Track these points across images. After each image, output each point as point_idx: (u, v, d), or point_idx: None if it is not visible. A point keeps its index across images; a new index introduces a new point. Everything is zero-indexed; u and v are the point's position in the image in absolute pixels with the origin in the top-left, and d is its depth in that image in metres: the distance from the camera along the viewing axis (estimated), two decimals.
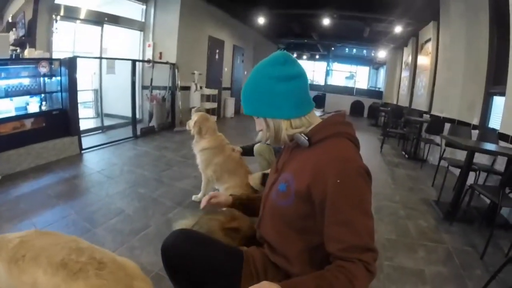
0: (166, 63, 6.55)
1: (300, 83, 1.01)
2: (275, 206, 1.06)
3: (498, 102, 4.40)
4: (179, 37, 6.70)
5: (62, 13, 5.13)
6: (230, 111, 9.68)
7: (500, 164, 3.49)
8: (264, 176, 2.54)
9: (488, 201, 3.07)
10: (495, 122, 4.37)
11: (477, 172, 3.55)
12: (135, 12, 6.80)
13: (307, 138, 1.00)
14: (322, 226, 0.93)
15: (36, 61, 3.87)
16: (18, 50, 3.91)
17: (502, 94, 3.98)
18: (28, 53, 3.91)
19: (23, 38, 4.17)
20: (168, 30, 6.70)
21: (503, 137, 3.68)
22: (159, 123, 6.48)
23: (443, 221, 3.10)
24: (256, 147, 2.90)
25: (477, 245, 2.65)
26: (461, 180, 3.17)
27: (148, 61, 6.54)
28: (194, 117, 2.97)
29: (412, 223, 3.06)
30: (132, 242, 2.34)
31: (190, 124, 2.97)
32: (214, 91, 7.95)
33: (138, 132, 5.83)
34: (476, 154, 3.16)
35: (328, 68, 16.45)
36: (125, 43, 6.90)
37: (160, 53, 6.76)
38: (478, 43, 4.80)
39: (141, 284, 0.94)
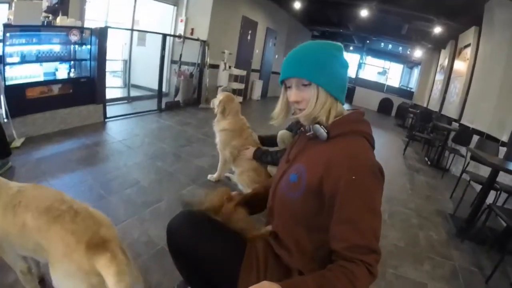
0: (197, 39, 6.52)
1: (348, 74, 1.05)
2: (284, 197, 1.06)
3: None
4: (212, 15, 6.63)
5: None
6: (257, 93, 9.63)
7: None
8: (258, 150, 2.75)
9: (504, 224, 2.97)
10: None
11: (498, 192, 3.42)
12: None
13: (326, 131, 0.99)
14: (328, 223, 0.93)
15: (68, 29, 3.94)
16: (51, 17, 3.96)
17: None
18: (60, 20, 3.97)
19: (56, 5, 4.23)
20: (202, 7, 6.64)
21: None
22: (184, 98, 6.53)
23: (455, 236, 3.03)
24: (280, 134, 2.81)
25: (484, 267, 2.58)
26: (480, 197, 3.07)
27: (179, 36, 6.55)
28: (220, 96, 2.97)
29: (423, 233, 3.00)
30: (143, 214, 2.40)
31: (215, 103, 2.97)
32: (243, 72, 7.88)
33: (163, 106, 5.91)
34: (500, 173, 3.04)
35: (360, 61, 15.95)
36: (158, 17, 6.90)
37: (192, 29, 6.74)
38: None
39: (106, 230, 1.10)
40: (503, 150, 3.98)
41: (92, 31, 4.22)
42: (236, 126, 2.90)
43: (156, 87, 5.90)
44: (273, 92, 11.14)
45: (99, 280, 0.99)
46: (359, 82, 14.87)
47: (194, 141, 4.37)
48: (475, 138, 4.78)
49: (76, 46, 4.14)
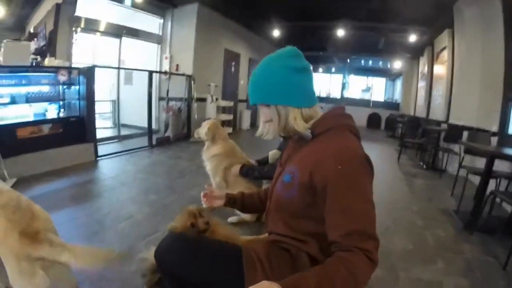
0: (183, 74, 6.68)
1: (310, 76, 1.07)
2: (280, 198, 1.09)
3: None
4: (195, 50, 6.86)
5: (82, 25, 5.35)
6: (246, 123, 9.73)
7: None
8: (244, 166, 2.75)
9: (510, 209, 2.91)
10: None
11: (498, 180, 3.40)
12: (153, 25, 7.04)
13: (310, 131, 1.04)
14: (324, 214, 0.94)
15: (56, 69, 4.01)
16: (39, 59, 4.06)
17: None
18: (48, 61, 4.07)
19: (44, 47, 4.34)
20: (185, 43, 6.88)
21: None
22: (174, 133, 6.56)
23: (463, 231, 2.96)
24: (270, 154, 2.87)
25: (499, 255, 2.49)
26: (481, 187, 3.03)
27: (165, 73, 6.70)
28: (206, 124, 2.98)
29: (430, 233, 2.92)
30: (138, 245, 2.32)
31: (201, 132, 2.97)
32: (230, 103, 8.01)
33: (154, 142, 5.91)
34: (497, 162, 3.03)
35: (344, 81, 16.34)
36: (143, 56, 7.10)
37: (177, 65, 6.93)
38: (494, 49, 4.66)
39: (39, 223, 1.27)
40: (495, 140, 4.00)
41: (80, 71, 4.30)
42: (227, 149, 2.90)
43: (145, 124, 5.94)
44: None
45: (29, 265, 1.17)
46: (345, 101, 15.10)
47: (187, 173, 4.33)
48: (466, 134, 4.81)
49: (65, 86, 4.21)
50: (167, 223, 2.64)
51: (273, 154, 2.86)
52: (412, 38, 7.71)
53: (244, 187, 2.78)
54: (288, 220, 1.08)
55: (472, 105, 5.19)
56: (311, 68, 1.10)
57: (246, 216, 2.76)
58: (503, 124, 4.48)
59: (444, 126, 6.22)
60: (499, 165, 3.48)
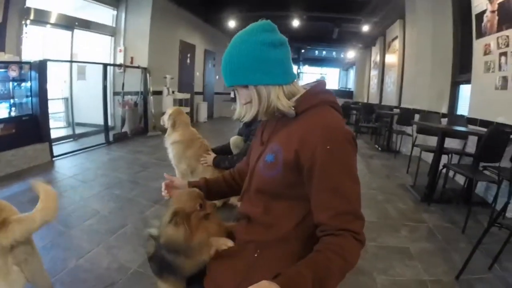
0: (138, 67, 6.44)
1: (288, 49, 1.00)
2: (263, 178, 1.03)
3: (465, 90, 4.65)
4: (151, 41, 6.63)
5: (32, 17, 4.94)
6: (203, 115, 9.61)
7: (471, 147, 3.65)
8: (216, 157, 2.76)
9: (461, 183, 3.18)
10: (463, 109, 4.58)
11: (450, 156, 3.69)
12: (106, 17, 6.67)
13: (293, 109, 0.98)
14: (310, 195, 0.91)
15: (6, 65, 3.72)
16: None
17: (468, 82, 4.23)
18: None
19: None
20: (140, 35, 6.63)
21: (471, 121, 3.86)
22: (132, 128, 6.35)
23: (421, 203, 3.20)
24: (232, 140, 2.90)
25: (457, 221, 2.75)
26: (435, 162, 3.28)
27: (120, 66, 6.40)
28: (169, 110, 2.97)
29: (391, 206, 3.13)
30: (109, 241, 2.27)
31: (165, 118, 2.97)
32: (187, 95, 7.86)
33: (111, 138, 5.68)
34: (448, 141, 3.28)
35: (299, 71, 16.70)
36: (96, 49, 6.72)
37: (132, 58, 6.65)
38: (443, 37, 5.07)
39: (3, 212, 1.24)
40: (445, 121, 4.33)
41: (32, 65, 4.00)
42: (187, 137, 2.88)
43: (101, 122, 5.66)
44: (219, 112, 11.21)
45: (2, 261, 1.16)
46: None
47: (149, 166, 4.24)
48: (417, 117, 5.16)
49: (16, 83, 3.90)
50: (135, 216, 2.65)
51: (234, 140, 2.89)
52: (365, 28, 8.03)
53: (209, 175, 2.75)
54: (269, 202, 1.03)
55: (423, 90, 5.59)
56: (287, 41, 1.01)
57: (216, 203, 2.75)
58: (452, 105, 4.88)
59: (396, 111, 6.60)
60: (450, 143, 3.79)
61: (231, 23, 8.59)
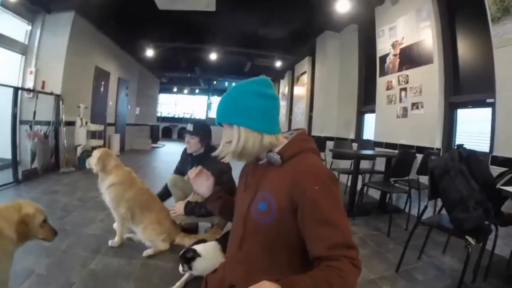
0: (51, 93, 5.80)
1: (276, 104, 1.13)
2: (258, 224, 1.08)
3: (369, 119, 5.61)
4: (66, 65, 6.03)
5: None
6: (115, 148, 8.85)
7: (379, 165, 4.45)
8: (188, 204, 2.50)
9: (375, 196, 3.84)
10: (368, 134, 5.54)
11: (363, 175, 4.40)
12: (18, 31, 5.82)
13: (279, 157, 1.08)
14: (304, 232, 0.99)
15: None
16: None
17: (372, 111, 5.18)
18: None
19: None
20: (55, 56, 5.97)
21: (377, 144, 4.76)
22: (42, 164, 5.51)
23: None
24: (169, 179, 2.87)
25: (381, 228, 3.35)
26: (353, 182, 3.90)
27: (31, 91, 5.66)
28: (96, 153, 2.71)
29: None
30: None
31: (92, 162, 2.69)
32: (100, 127, 7.27)
33: (20, 176, 4.84)
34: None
35: (209, 102, 17.22)
36: (1, 69, 5.72)
37: (43, 82, 5.92)
38: (350, 74, 6.13)
39: None
40: (354, 145, 5.13)
41: None
42: (124, 177, 2.67)
43: (6, 155, 4.86)
44: (130, 145, 10.61)
45: None
46: (211, 121, 15.71)
47: (72, 210, 3.61)
48: (329, 143, 5.93)
49: None
50: (80, 271, 2.32)
51: (172, 179, 2.87)
52: (278, 63, 8.93)
53: (150, 220, 2.63)
54: (268, 246, 1.07)
55: (332, 119, 6.57)
56: (279, 99, 1.15)
57: (162, 247, 2.58)
58: (358, 132, 5.80)
59: None
60: (361, 163, 4.51)
61: (149, 52, 8.56)
